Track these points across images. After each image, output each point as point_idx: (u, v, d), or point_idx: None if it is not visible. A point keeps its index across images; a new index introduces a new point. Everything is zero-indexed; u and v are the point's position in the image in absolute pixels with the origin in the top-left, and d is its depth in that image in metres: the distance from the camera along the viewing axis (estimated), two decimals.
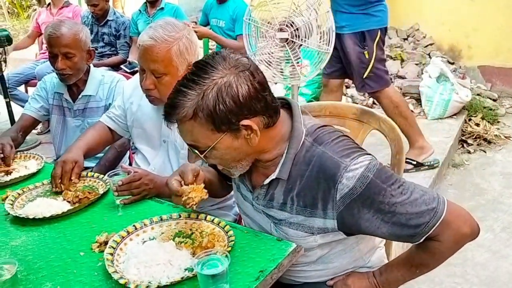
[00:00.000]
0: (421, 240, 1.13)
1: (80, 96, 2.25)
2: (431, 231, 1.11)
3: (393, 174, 1.12)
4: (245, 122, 1.08)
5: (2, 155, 1.82)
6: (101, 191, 1.59)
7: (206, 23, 4.05)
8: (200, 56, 1.69)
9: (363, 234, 1.17)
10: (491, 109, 4.32)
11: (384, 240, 1.44)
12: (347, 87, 4.50)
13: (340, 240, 1.23)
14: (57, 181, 1.60)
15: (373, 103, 4.31)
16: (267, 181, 1.20)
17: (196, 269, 1.03)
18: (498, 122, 4.22)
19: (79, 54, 2.14)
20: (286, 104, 1.23)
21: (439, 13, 4.92)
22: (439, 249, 1.15)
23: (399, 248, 2.41)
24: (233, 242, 1.20)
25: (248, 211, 1.34)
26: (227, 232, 1.26)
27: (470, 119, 4.16)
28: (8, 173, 1.77)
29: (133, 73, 3.24)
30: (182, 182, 1.25)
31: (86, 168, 2.20)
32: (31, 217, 1.43)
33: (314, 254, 1.25)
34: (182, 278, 1.09)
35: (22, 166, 1.84)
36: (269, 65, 3.39)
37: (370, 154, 1.14)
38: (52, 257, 1.25)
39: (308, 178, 1.14)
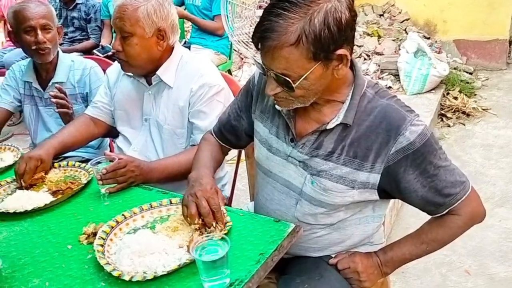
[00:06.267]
0: (444, 212, 1.16)
1: (50, 84, 2.11)
2: (456, 204, 1.14)
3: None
4: (340, 51, 1.03)
5: None
6: (83, 181, 1.52)
7: (181, 3, 3.91)
8: (175, 24, 1.61)
9: (396, 196, 1.19)
10: (467, 83, 4.37)
11: (384, 218, 1.42)
12: None
13: (361, 208, 1.23)
14: (18, 177, 1.51)
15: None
16: (331, 125, 1.14)
17: (194, 255, 0.98)
18: (475, 95, 4.27)
19: (54, 29, 2.02)
20: None
21: None
22: (457, 224, 1.18)
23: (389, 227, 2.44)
24: (230, 226, 1.16)
25: (274, 167, 1.27)
26: None
27: (448, 93, 4.20)
28: None
29: (106, 58, 3.11)
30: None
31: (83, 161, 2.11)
32: (11, 211, 1.35)
33: (337, 216, 1.23)
34: (179, 265, 1.04)
35: None
36: (247, 45, 3.31)
37: None
38: (37, 252, 1.19)
39: (367, 128, 1.12)
